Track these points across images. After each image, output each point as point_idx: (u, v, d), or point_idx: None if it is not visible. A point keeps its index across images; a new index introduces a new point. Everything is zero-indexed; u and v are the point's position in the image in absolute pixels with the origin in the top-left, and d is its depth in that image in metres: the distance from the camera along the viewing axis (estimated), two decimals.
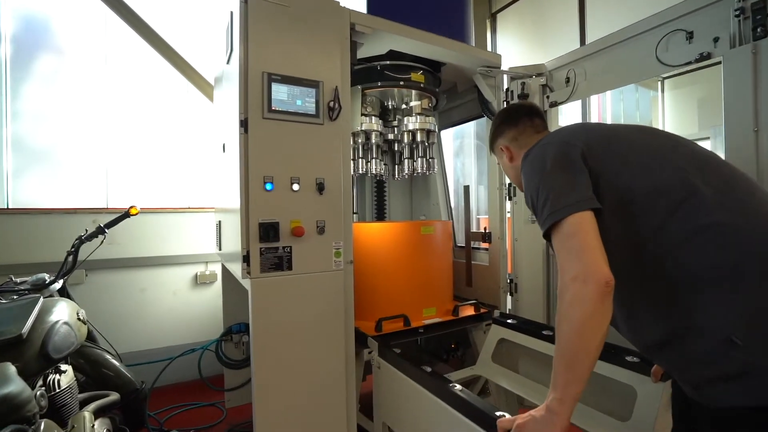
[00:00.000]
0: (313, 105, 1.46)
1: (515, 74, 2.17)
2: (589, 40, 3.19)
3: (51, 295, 1.78)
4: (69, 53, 2.66)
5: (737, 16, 1.34)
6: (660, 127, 1.73)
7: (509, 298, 2.27)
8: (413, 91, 2.06)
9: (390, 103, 2.20)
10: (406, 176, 2.29)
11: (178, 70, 2.63)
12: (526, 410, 0.95)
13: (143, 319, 2.73)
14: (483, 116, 2.34)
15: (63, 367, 1.51)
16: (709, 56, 1.44)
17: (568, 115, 2.91)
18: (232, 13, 1.52)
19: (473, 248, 2.44)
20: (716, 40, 1.40)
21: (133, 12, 2.50)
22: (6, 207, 2.47)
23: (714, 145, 3.14)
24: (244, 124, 1.36)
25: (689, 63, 1.50)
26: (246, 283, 1.42)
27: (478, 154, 3.58)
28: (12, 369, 1.11)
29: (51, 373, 1.46)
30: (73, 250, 1.84)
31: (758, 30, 1.29)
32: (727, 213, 0.81)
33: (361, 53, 1.85)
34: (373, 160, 2.09)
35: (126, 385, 1.86)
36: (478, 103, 2.30)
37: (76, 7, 2.67)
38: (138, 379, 1.91)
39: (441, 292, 2.06)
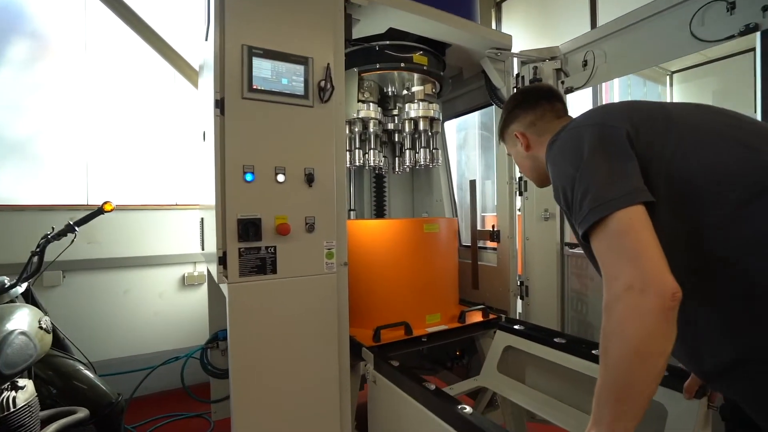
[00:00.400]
0: (302, 84, 1.28)
1: (527, 58, 1.99)
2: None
3: (12, 301, 1.61)
4: (46, 39, 2.48)
5: None
6: None
7: (519, 302, 2.09)
8: (415, 75, 1.87)
9: (390, 89, 2.02)
10: (408, 169, 2.10)
11: (162, 55, 2.45)
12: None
13: (126, 324, 2.56)
14: (491, 105, 2.16)
15: (21, 382, 1.35)
16: (756, 28, 1.25)
17: (574, 106, 2.74)
18: None
19: (479, 248, 2.26)
20: (766, 9, 1.21)
21: None
22: None
23: None
24: (219, 104, 1.17)
25: (731, 37, 1.31)
26: (224, 289, 1.24)
27: (483, 146, 3.39)
28: None
29: (6, 390, 1.29)
30: (38, 250, 1.67)
31: None
32: None
33: (358, 32, 1.67)
34: (372, 151, 1.90)
35: (100, 399, 1.70)
36: (486, 89, 2.11)
37: None
38: (114, 390, 1.75)
39: (446, 297, 1.88)
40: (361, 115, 1.84)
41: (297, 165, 1.27)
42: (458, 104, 2.49)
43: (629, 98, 3.69)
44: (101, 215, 1.83)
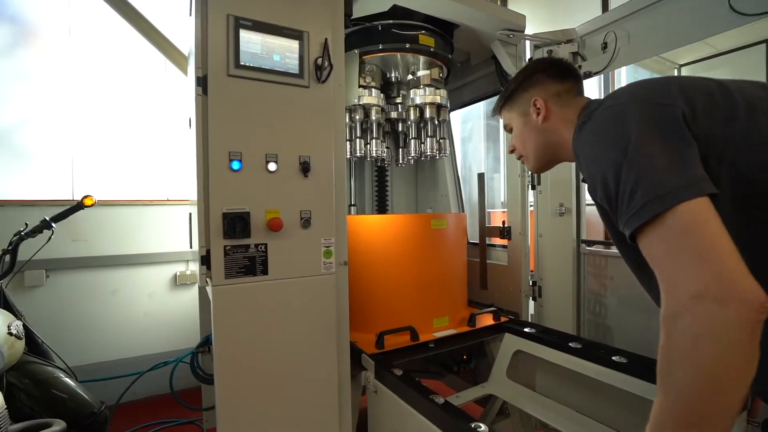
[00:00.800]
0: (296, 62, 1.13)
1: (540, 41, 1.84)
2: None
3: None
4: (26, 23, 2.33)
5: None
6: None
7: (531, 303, 1.96)
8: (421, 59, 1.72)
9: (393, 74, 1.87)
10: (412, 160, 1.96)
11: (150, 41, 2.30)
12: None
13: (115, 326, 2.43)
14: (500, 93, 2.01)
15: None
16: None
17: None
18: None
19: (488, 245, 2.12)
20: None
21: None
22: None
23: None
24: (202, 82, 1.03)
25: None
26: (209, 292, 1.10)
27: (489, 138, 3.24)
28: None
29: None
30: (10, 248, 1.53)
31: None
32: None
33: (359, 10, 1.52)
34: (374, 140, 1.75)
35: (81, 408, 1.58)
36: (497, 76, 1.97)
37: None
38: (97, 399, 1.63)
39: (455, 298, 1.74)
40: (363, 101, 1.69)
41: (291, 152, 1.13)
42: (465, 93, 2.34)
43: None
44: (81, 210, 1.70)
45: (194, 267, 2.63)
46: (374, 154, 1.77)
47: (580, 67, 1.80)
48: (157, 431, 2.13)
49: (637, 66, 3.61)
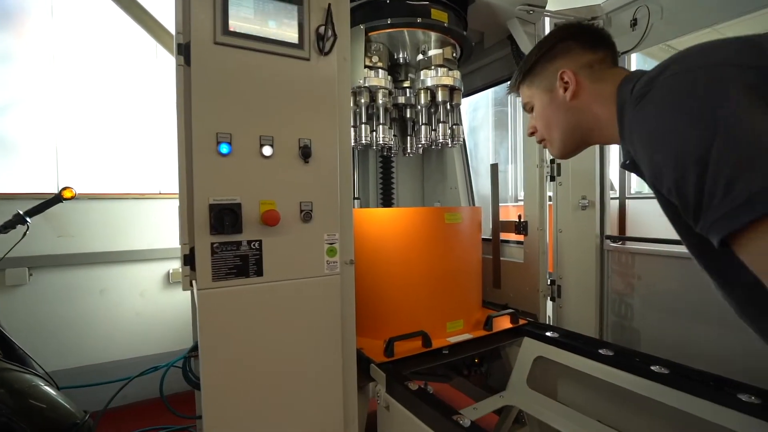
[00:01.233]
0: (295, 30, 0.98)
1: (563, 18, 1.69)
2: None
3: None
4: (4, 2, 2.17)
5: None
6: None
7: (549, 304, 1.82)
8: (432, 36, 1.56)
9: (402, 55, 1.71)
10: (421, 149, 1.81)
11: (138, 22, 2.14)
12: None
13: (104, 327, 2.29)
14: None
15: None
16: None
17: None
18: None
19: (502, 241, 1.97)
20: None
21: None
22: None
23: None
24: (183, 50, 0.88)
25: None
26: (195, 296, 0.96)
27: (499, 126, 3.07)
28: None
29: None
30: None
31: None
32: None
33: None
34: (380, 126, 1.60)
35: (62, 419, 1.46)
36: (513, 57, 1.82)
37: None
38: (80, 408, 1.52)
39: (469, 300, 1.60)
40: (369, 83, 1.54)
41: (289, 135, 0.97)
42: (477, 78, 2.18)
43: None
44: (61, 203, 1.55)
45: None
46: (381, 142, 1.62)
47: None
48: None
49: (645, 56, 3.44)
